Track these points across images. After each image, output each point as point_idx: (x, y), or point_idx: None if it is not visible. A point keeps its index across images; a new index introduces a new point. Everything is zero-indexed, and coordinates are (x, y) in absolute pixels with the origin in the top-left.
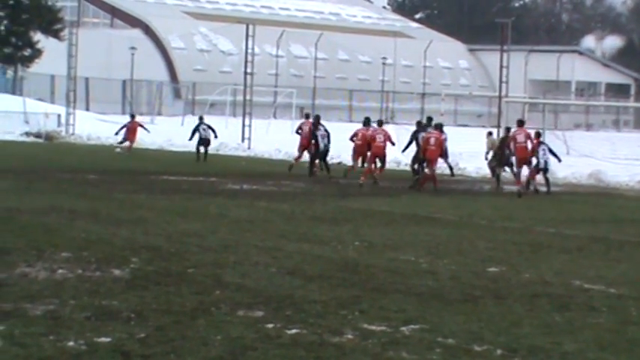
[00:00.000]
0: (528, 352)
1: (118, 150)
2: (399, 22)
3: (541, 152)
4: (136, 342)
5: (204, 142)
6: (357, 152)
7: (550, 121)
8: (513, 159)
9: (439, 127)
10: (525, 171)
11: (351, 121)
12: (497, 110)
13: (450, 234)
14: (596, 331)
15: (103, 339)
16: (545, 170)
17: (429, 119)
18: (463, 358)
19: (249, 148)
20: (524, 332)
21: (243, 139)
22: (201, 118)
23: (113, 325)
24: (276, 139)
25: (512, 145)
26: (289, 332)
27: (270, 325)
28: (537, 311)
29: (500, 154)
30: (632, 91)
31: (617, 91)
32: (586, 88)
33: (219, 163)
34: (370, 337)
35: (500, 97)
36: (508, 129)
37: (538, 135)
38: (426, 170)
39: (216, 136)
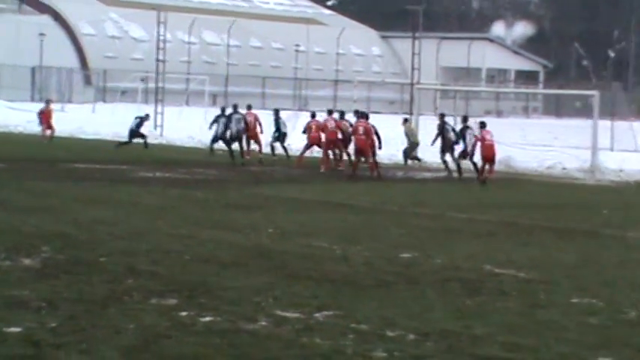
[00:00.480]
0: (440, 336)
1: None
2: (311, 9)
3: (468, 137)
4: (47, 331)
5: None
6: (327, 141)
7: (461, 108)
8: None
9: (364, 116)
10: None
11: (264, 109)
12: (409, 97)
13: (363, 220)
14: (505, 314)
15: (13, 329)
16: (472, 155)
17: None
18: (376, 344)
19: (161, 135)
20: (436, 317)
21: (155, 127)
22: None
23: (23, 314)
24: (188, 127)
25: (478, 144)
26: (203, 320)
27: (184, 313)
28: (449, 296)
29: (464, 145)
30: (541, 78)
31: (527, 78)
32: (496, 75)
33: (132, 151)
34: (284, 323)
35: (412, 84)
36: (465, 118)
37: (465, 119)
38: (366, 160)
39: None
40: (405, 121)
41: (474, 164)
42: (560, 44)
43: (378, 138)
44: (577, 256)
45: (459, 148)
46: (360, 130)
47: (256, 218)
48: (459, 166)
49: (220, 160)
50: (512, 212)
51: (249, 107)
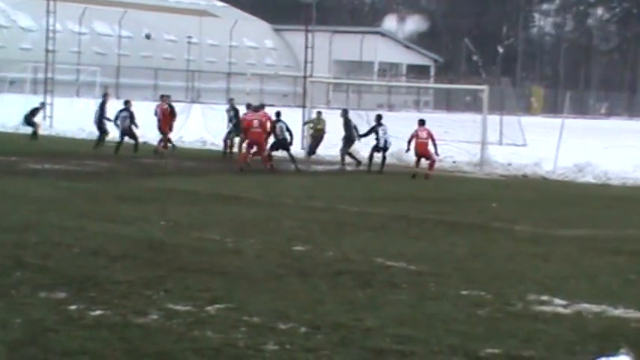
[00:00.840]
0: (332, 328)
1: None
2: (204, 0)
3: (381, 132)
4: None
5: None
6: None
7: (354, 101)
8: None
9: (261, 108)
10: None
11: (155, 100)
12: (302, 90)
13: (256, 213)
14: (396, 306)
15: None
16: (385, 149)
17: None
18: (268, 337)
19: (51, 126)
20: (328, 309)
21: (45, 118)
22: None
23: None
24: (79, 118)
25: (414, 141)
26: (93, 313)
27: (73, 307)
28: (340, 288)
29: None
30: (432, 72)
31: (418, 72)
32: (388, 69)
33: (21, 142)
34: (175, 317)
35: (305, 77)
36: (379, 116)
37: (379, 117)
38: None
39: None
40: (319, 113)
41: (371, 158)
42: (450, 39)
43: (290, 134)
44: (467, 248)
45: (357, 143)
46: (255, 122)
47: (148, 211)
48: (353, 157)
49: (119, 152)
50: (404, 205)
51: (248, 106)
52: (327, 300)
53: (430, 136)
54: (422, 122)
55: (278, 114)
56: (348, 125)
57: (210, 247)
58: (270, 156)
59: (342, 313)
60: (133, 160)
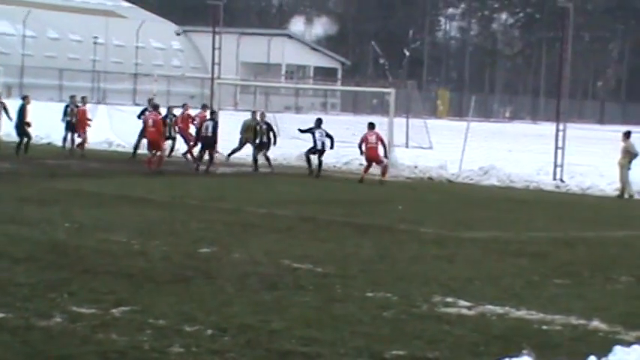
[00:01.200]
0: (238, 330)
1: None
2: (110, 1)
3: (318, 135)
4: None
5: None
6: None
7: (261, 104)
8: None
9: (156, 108)
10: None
11: (61, 101)
12: (210, 92)
13: (162, 215)
14: (303, 308)
15: None
16: (322, 152)
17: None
18: (174, 339)
19: None
20: (235, 311)
21: None
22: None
23: None
24: None
25: (364, 145)
26: None
27: None
28: (247, 290)
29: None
30: (339, 74)
31: (325, 74)
32: (295, 71)
33: None
34: (79, 319)
35: (212, 79)
36: (319, 120)
37: (319, 121)
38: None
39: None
40: (253, 113)
41: (308, 160)
42: (357, 42)
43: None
44: (373, 250)
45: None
46: (150, 122)
47: (52, 213)
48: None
49: (12, 152)
50: (311, 207)
51: (204, 106)
52: (234, 302)
53: (380, 139)
54: (371, 126)
55: (212, 113)
56: (267, 128)
57: (115, 249)
58: (197, 157)
59: (249, 315)
60: (36, 162)
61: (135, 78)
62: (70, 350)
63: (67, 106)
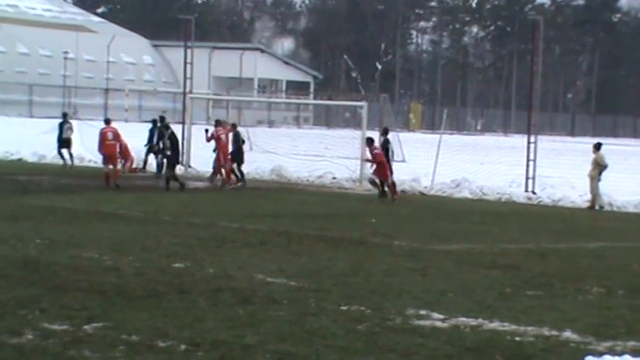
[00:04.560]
0: (211, 346)
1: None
2: (80, 15)
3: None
4: None
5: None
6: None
7: (234, 118)
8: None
9: (107, 122)
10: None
11: (31, 117)
12: (182, 106)
13: (134, 230)
14: (276, 323)
15: None
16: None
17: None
18: (147, 355)
19: None
20: (208, 326)
21: None
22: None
23: None
24: None
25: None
26: None
27: None
28: (220, 305)
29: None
30: (312, 88)
31: (298, 88)
32: (268, 85)
33: None
34: (51, 336)
35: (185, 93)
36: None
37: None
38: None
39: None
40: (234, 125)
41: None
42: (330, 56)
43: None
44: (346, 264)
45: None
46: (110, 135)
47: (23, 229)
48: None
49: None
50: (284, 221)
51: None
52: (207, 317)
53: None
54: (370, 141)
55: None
56: (236, 140)
57: (87, 265)
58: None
59: (222, 330)
60: (7, 177)
61: (106, 93)
62: None
63: (61, 124)
